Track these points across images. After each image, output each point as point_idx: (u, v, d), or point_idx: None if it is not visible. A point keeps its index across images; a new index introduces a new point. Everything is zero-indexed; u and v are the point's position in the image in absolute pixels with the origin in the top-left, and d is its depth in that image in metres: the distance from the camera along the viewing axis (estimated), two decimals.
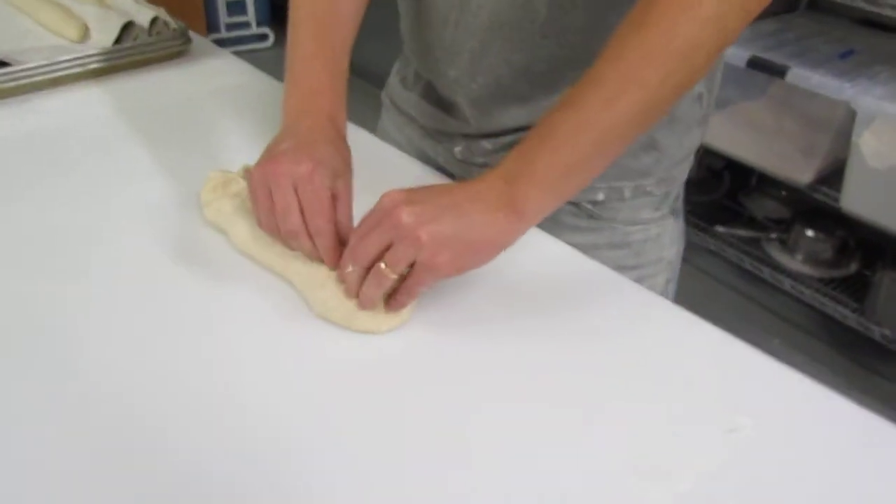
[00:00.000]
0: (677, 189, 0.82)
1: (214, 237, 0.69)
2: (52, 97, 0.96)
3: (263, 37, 3.36)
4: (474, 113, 0.78)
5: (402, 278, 0.58)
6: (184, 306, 0.63)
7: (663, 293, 0.85)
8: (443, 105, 0.83)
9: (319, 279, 0.60)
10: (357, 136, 0.82)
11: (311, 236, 0.61)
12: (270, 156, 0.62)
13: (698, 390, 0.58)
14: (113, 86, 1.00)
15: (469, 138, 0.81)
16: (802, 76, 1.58)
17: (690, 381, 0.59)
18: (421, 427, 0.53)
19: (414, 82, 0.87)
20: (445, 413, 0.55)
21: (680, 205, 0.84)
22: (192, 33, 1.12)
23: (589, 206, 0.78)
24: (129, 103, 0.96)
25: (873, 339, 1.69)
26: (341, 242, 0.61)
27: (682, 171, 0.81)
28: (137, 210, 0.74)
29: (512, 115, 0.76)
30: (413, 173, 0.83)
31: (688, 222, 1.94)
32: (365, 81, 2.56)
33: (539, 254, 0.71)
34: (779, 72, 1.59)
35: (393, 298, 0.59)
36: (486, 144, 0.80)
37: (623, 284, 0.69)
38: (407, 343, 0.60)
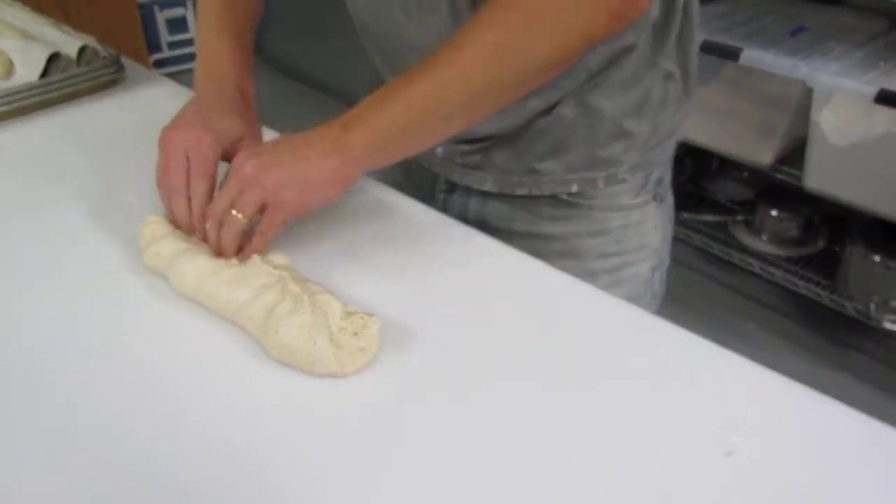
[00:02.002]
0: (659, 173, 0.80)
1: (158, 283, 0.64)
2: None
3: None
4: None
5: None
6: (129, 359, 0.58)
7: (648, 282, 0.83)
8: None
9: (273, 323, 0.56)
10: None
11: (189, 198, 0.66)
12: (172, 123, 0.70)
13: (690, 409, 0.55)
14: (42, 122, 0.94)
15: (446, 142, 0.80)
16: (756, 57, 1.56)
17: (680, 398, 0.55)
18: (399, 477, 0.49)
19: None
20: (424, 458, 0.51)
21: (664, 190, 0.82)
22: (126, 59, 1.06)
23: (565, 197, 0.77)
24: (60, 140, 0.91)
25: (847, 315, 1.68)
26: None
27: (663, 153, 0.79)
28: (74, 255, 0.70)
29: (482, 125, 0.74)
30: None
31: None
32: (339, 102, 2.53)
33: (502, 269, 0.68)
34: (732, 54, 1.58)
35: (248, 243, 0.64)
36: (465, 146, 0.78)
37: (599, 297, 0.66)
38: (375, 385, 0.56)
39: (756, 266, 1.82)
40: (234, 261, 0.62)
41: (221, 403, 0.55)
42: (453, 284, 0.66)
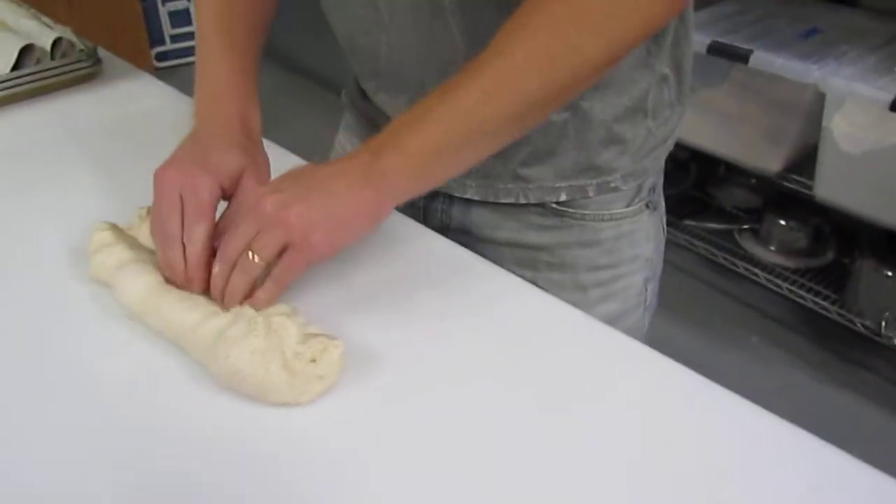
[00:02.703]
0: (652, 181, 0.75)
1: (102, 293, 0.60)
2: None
3: None
4: None
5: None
6: (62, 372, 0.54)
7: (641, 294, 0.79)
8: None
9: (224, 348, 0.51)
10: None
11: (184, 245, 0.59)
12: (167, 161, 0.62)
13: (676, 449, 0.50)
14: (12, 116, 0.90)
15: None
16: (766, 60, 1.51)
17: (665, 433, 0.51)
18: None
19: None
20: (394, 492, 0.46)
21: (657, 197, 0.78)
22: (104, 53, 1.02)
23: (554, 205, 0.72)
24: (29, 135, 0.87)
25: (855, 331, 1.62)
26: None
27: (655, 161, 0.74)
28: (22, 255, 0.66)
29: None
30: None
31: None
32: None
33: (483, 287, 0.63)
34: (741, 56, 1.52)
35: (260, 289, 0.56)
36: None
37: (586, 322, 0.61)
38: (334, 413, 0.51)
39: (761, 277, 1.76)
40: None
41: (155, 431, 0.50)
42: (428, 303, 0.61)
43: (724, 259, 1.82)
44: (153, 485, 0.47)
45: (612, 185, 0.71)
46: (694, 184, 2.02)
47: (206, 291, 0.58)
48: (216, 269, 0.56)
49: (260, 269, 0.55)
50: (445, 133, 0.55)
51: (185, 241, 0.58)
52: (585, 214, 0.73)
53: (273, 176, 0.63)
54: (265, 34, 0.72)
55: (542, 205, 0.72)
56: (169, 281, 0.58)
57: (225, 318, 0.53)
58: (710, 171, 2.02)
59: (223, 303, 0.56)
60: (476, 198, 0.73)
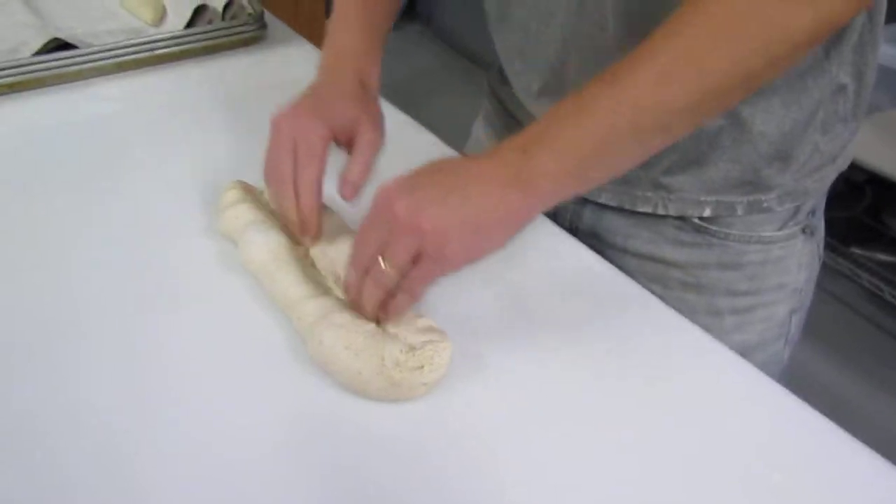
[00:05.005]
0: (812, 203, 0.68)
1: (228, 249, 0.62)
2: (115, 82, 0.91)
3: None
4: None
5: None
6: (164, 321, 0.57)
7: (784, 325, 0.72)
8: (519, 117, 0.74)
9: (320, 330, 0.50)
10: None
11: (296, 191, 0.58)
12: (284, 109, 0.62)
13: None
14: (179, 72, 0.95)
15: None
16: None
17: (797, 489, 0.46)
18: None
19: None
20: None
21: (816, 221, 0.70)
22: (270, 17, 1.05)
23: (696, 220, 0.66)
24: (192, 92, 0.91)
25: None
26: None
27: (820, 182, 0.67)
28: (161, 207, 0.69)
29: None
30: None
31: None
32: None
33: (606, 297, 0.60)
34: None
35: (390, 302, 0.52)
36: None
37: (722, 351, 0.56)
38: (425, 412, 0.50)
39: None
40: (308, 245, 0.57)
41: (242, 397, 0.51)
42: (548, 307, 0.58)
43: (891, 296, 1.66)
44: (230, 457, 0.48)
45: (766, 204, 0.65)
46: (867, 209, 1.85)
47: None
48: (349, 276, 0.53)
49: (392, 280, 0.50)
50: (611, 126, 0.48)
51: (296, 184, 0.58)
52: (730, 234, 0.67)
53: (386, 133, 0.64)
54: (393, 20, 0.72)
55: (682, 218, 0.67)
56: (293, 239, 0.58)
57: (334, 300, 0.52)
58: (888, 197, 1.84)
59: (361, 312, 0.53)
60: (611, 203, 0.68)
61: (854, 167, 1.62)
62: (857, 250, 1.73)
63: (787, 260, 0.69)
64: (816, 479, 0.47)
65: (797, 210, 0.67)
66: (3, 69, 0.85)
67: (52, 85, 0.88)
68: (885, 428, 1.41)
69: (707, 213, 0.66)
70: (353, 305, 0.53)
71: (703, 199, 0.65)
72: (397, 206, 0.49)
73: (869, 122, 1.51)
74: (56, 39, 0.89)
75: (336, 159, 0.61)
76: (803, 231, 0.69)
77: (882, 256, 1.73)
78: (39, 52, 0.88)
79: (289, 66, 0.98)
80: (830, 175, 0.68)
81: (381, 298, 0.51)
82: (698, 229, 0.67)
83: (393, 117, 0.84)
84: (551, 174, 0.48)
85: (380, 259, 0.49)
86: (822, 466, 0.47)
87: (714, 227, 0.66)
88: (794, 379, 0.53)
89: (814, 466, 0.47)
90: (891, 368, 1.61)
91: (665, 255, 0.68)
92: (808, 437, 0.49)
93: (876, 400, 1.52)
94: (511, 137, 0.50)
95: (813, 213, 0.69)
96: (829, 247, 1.76)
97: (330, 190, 0.67)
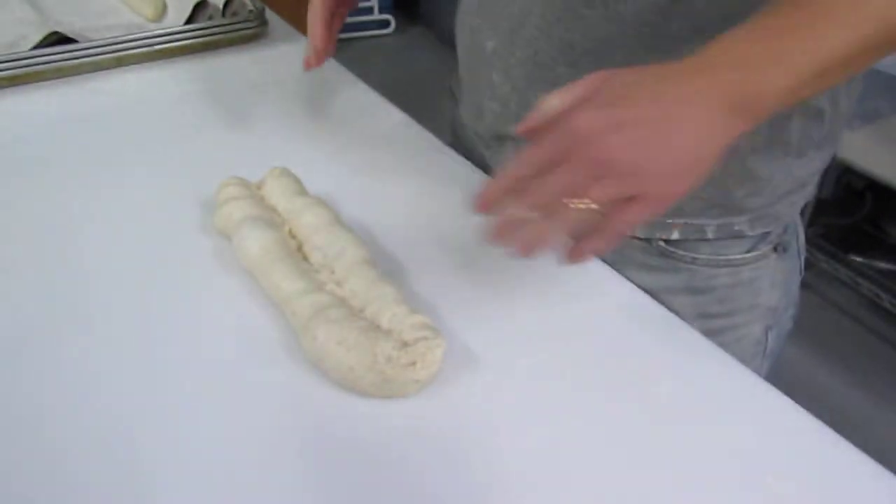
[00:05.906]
0: (782, 227, 0.66)
1: (224, 247, 0.61)
2: (114, 77, 0.91)
3: (385, 23, 3.30)
4: (512, 96, 0.65)
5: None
6: (166, 316, 0.56)
7: (760, 343, 0.69)
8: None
9: (313, 326, 0.49)
10: None
11: None
12: None
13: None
14: (179, 69, 0.94)
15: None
16: None
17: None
18: None
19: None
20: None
21: (789, 237, 0.68)
22: (271, 15, 1.04)
23: (661, 244, 0.64)
24: (192, 88, 0.90)
25: None
26: None
27: (792, 206, 0.65)
28: (157, 204, 0.68)
29: None
30: None
31: (819, 247, 1.71)
32: None
33: (588, 285, 0.59)
34: None
35: (585, 242, 0.44)
36: None
37: (705, 347, 0.56)
38: (418, 409, 0.49)
39: None
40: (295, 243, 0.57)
41: (236, 393, 0.50)
42: (539, 307, 0.58)
43: (891, 303, 1.66)
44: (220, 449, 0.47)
45: (737, 227, 0.62)
46: (867, 216, 1.85)
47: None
48: (509, 209, 0.44)
49: (583, 220, 0.43)
50: (846, 43, 0.41)
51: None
52: (697, 258, 0.64)
53: None
54: None
55: (648, 241, 0.64)
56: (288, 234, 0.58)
57: (328, 296, 0.52)
58: (888, 204, 1.84)
59: (514, 247, 0.45)
60: None
61: (854, 174, 1.63)
62: (856, 258, 1.73)
63: (758, 281, 0.66)
64: (812, 485, 0.46)
65: (765, 235, 0.65)
66: (2, 63, 0.84)
67: (52, 79, 0.88)
68: (883, 435, 1.41)
69: (675, 235, 0.63)
70: (508, 240, 0.45)
71: (670, 220, 0.62)
72: (580, 119, 0.41)
73: (869, 128, 1.51)
74: (55, 33, 0.89)
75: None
76: (775, 250, 0.66)
77: (881, 264, 1.73)
78: (39, 46, 0.87)
79: (289, 63, 0.98)
80: (799, 202, 0.66)
81: (560, 238, 0.45)
82: (664, 253, 0.64)
83: (393, 117, 0.84)
84: (782, 91, 0.42)
85: (567, 199, 0.42)
86: (819, 472, 0.47)
87: (681, 252, 0.64)
88: (792, 385, 0.52)
89: (809, 472, 0.47)
90: (889, 375, 1.60)
91: (631, 279, 0.62)
92: (804, 441, 0.49)
93: (874, 407, 1.51)
94: (718, 53, 0.42)
95: (786, 231, 0.67)
96: (828, 254, 1.77)
97: (328, 187, 0.67)
